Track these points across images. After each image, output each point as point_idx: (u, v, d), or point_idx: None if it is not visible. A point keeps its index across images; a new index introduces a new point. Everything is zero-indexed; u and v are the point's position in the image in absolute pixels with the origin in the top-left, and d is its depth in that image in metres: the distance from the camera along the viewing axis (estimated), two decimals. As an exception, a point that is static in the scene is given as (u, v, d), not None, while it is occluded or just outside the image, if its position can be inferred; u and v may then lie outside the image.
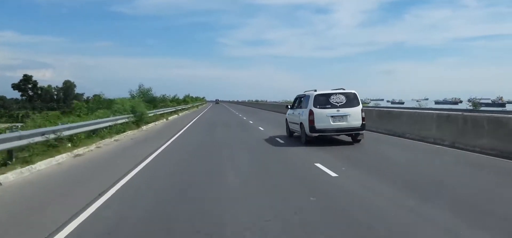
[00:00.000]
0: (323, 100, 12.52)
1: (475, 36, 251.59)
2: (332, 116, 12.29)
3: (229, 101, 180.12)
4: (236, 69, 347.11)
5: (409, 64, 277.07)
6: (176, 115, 36.71)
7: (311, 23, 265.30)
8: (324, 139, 12.66)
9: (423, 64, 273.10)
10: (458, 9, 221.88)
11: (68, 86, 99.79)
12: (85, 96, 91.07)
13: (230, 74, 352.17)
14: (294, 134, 14.73)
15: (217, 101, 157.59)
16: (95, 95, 30.63)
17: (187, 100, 75.36)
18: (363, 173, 7.96)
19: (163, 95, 45.74)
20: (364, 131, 12.66)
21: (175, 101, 57.51)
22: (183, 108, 47.42)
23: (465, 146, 10.63)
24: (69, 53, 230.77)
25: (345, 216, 5.08)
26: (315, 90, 12.97)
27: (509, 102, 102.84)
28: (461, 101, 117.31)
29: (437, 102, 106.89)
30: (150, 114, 23.21)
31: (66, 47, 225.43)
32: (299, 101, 14.31)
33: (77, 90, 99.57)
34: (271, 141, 14.30)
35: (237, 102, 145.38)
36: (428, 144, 12.03)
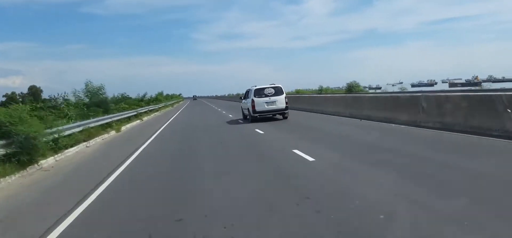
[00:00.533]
0: (260, 92, 18.68)
1: (443, 19, 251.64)
2: (266, 102, 18.54)
3: (207, 97, 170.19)
4: (213, 64, 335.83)
5: (383, 50, 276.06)
6: (139, 121, 25.91)
7: (284, 14, 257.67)
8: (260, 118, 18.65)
9: (396, 49, 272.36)
10: None
11: (34, 91, 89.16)
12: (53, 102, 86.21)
13: (207, 69, 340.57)
14: (247, 117, 20.07)
15: (194, 98, 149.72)
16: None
17: (160, 98, 64.07)
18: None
19: (122, 95, 34.75)
20: (288, 111, 19.14)
21: (143, 101, 46.44)
22: (151, 110, 36.50)
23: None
24: (40, 58, 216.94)
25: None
26: (255, 86, 19.22)
27: (484, 81, 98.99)
28: (436, 83, 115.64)
29: (413, 85, 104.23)
30: (69, 132, 12.44)
31: (36, 52, 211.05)
32: (247, 93, 20.40)
33: (50, 95, 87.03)
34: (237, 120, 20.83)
35: (217, 98, 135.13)
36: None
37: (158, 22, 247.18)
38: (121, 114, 22.20)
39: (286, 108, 18.73)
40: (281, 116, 19.06)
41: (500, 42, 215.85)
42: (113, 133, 17.90)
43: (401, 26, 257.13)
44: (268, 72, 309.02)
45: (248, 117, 19.54)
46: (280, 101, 18.57)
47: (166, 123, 23.81)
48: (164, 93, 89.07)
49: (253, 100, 18.57)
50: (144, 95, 55.91)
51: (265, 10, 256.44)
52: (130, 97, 34.82)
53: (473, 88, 50.33)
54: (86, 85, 27.75)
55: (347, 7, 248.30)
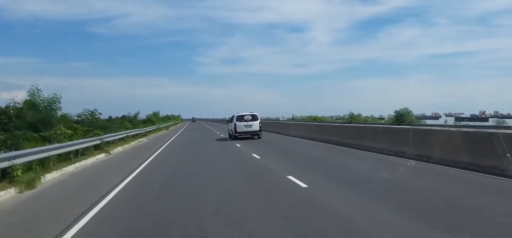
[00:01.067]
0: (241, 118, 24.52)
1: (445, 53, 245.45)
2: (244, 125, 24.20)
3: (207, 119, 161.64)
4: (213, 87, 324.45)
5: (383, 81, 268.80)
6: (103, 154, 15.73)
7: (287, 41, 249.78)
8: (241, 137, 24.25)
9: (397, 80, 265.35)
10: (429, 27, 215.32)
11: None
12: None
13: (207, 92, 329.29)
14: (231, 136, 25.42)
15: (193, 120, 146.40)
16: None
17: (153, 119, 53.82)
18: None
19: (91, 113, 24.77)
20: (261, 132, 25.04)
21: (132, 122, 36.45)
22: (135, 135, 26.34)
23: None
24: (43, 74, 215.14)
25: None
26: (238, 113, 24.95)
27: (491, 116, 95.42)
28: (440, 116, 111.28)
29: (417, 118, 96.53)
30: None
31: (40, 68, 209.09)
32: (232, 118, 26.71)
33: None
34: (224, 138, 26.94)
35: (217, 121, 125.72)
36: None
37: (161, 44, 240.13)
38: (64, 147, 11.93)
39: (260, 130, 24.70)
40: (256, 137, 24.58)
41: (502, 78, 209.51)
42: (10, 194, 7.75)
43: (402, 58, 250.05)
44: (268, 96, 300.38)
45: (231, 136, 25.31)
46: (255, 126, 24.48)
47: (144, 162, 13.61)
48: (161, 114, 79.47)
49: (235, 124, 24.53)
50: (136, 115, 46.15)
51: (268, 37, 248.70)
52: (99, 118, 24.73)
53: (484, 123, 46.80)
54: (31, 94, 17.90)
55: (349, 37, 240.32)
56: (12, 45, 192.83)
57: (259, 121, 24.66)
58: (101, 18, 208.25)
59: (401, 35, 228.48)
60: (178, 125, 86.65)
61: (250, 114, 24.48)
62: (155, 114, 61.90)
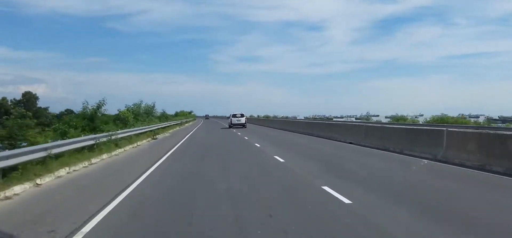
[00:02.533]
0: (235, 115, 48.45)
1: (465, 54, 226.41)
2: (236, 119, 47.56)
3: (222, 117, 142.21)
4: (229, 85, 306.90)
5: (401, 81, 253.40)
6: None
7: (304, 40, 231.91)
8: (235, 127, 45.18)
9: (415, 81, 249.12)
10: (449, 27, 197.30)
11: (28, 98, 76.50)
12: (50, 111, 71.80)
13: (222, 90, 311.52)
14: (229, 126, 46.94)
15: (206, 117, 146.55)
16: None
17: (126, 116, 28.80)
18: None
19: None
20: (247, 124, 48.79)
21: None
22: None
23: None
24: (62, 69, 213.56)
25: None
26: (233, 113, 49.59)
27: None
28: (465, 118, 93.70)
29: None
30: None
31: (59, 63, 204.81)
32: (230, 115, 50.68)
33: (70, 105, 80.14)
34: (228, 128, 45.99)
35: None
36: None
37: (178, 41, 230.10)
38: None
39: (245, 123, 47.08)
40: (243, 127, 44.80)
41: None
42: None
43: (421, 58, 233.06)
44: (283, 95, 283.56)
45: (229, 126, 46.02)
46: (243, 120, 46.77)
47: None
48: (170, 111, 57.08)
49: (231, 119, 47.41)
50: (98, 107, 21.29)
51: (286, 35, 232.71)
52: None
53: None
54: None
55: (367, 36, 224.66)
56: (33, 40, 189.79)
57: (245, 117, 47.95)
58: (120, 14, 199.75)
59: (421, 35, 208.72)
60: (187, 124, 64.64)
61: (240, 114, 48.01)
62: (137, 106, 35.79)
